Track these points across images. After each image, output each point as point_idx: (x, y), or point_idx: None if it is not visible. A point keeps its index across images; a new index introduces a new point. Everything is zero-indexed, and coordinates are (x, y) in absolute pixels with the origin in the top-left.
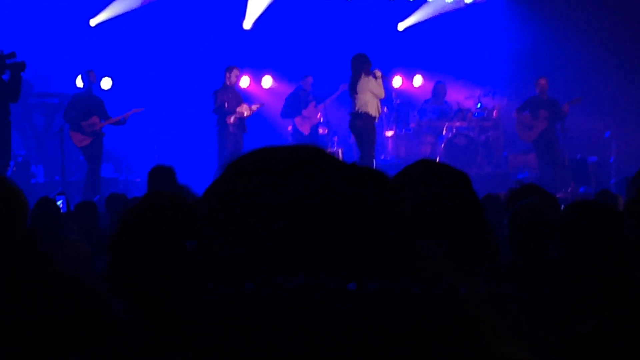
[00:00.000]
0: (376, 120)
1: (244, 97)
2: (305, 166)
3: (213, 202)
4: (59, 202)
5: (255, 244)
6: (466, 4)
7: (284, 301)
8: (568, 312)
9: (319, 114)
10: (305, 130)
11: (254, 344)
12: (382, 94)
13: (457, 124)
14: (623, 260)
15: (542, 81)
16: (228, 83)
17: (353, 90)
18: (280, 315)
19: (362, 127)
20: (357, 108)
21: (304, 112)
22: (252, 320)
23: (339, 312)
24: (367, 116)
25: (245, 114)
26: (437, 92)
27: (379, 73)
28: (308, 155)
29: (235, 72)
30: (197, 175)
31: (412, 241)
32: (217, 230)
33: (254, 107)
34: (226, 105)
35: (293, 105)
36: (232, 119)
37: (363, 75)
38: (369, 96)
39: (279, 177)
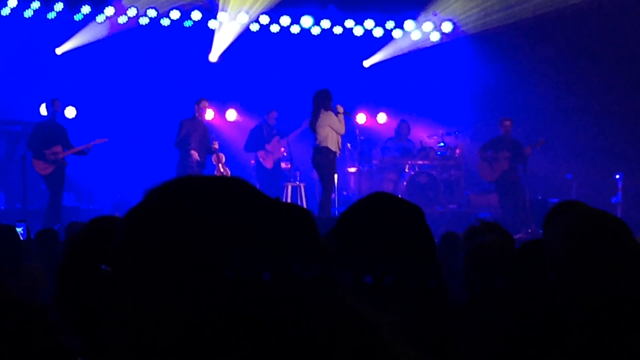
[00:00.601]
0: (337, 155)
1: (209, 129)
2: (227, 198)
3: (131, 228)
4: (20, 229)
5: (171, 273)
6: (432, 43)
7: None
8: (517, 351)
9: (283, 149)
10: (269, 164)
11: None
12: (342, 130)
13: (420, 162)
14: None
15: (507, 122)
16: (197, 115)
17: (313, 126)
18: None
19: (322, 161)
20: (317, 142)
21: (268, 147)
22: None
23: None
24: (327, 150)
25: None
26: (401, 130)
27: (340, 109)
28: (232, 188)
29: (203, 103)
30: None
31: (330, 274)
32: (134, 256)
33: (215, 145)
34: (191, 139)
35: (256, 139)
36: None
37: (323, 111)
38: (329, 131)
39: (200, 207)
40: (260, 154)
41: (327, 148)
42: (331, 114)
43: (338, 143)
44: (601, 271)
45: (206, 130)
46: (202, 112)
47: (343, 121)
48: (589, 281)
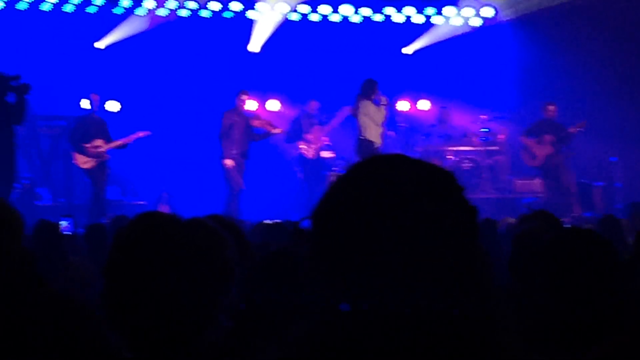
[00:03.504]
0: (376, 146)
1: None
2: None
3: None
4: (65, 223)
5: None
6: (473, 28)
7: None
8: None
9: (325, 138)
10: (310, 154)
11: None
12: (380, 121)
13: (463, 148)
14: (611, 287)
15: (551, 107)
16: (238, 106)
17: (354, 113)
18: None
19: (363, 152)
20: (360, 132)
21: (308, 137)
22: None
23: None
24: (367, 142)
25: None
26: (442, 117)
27: (384, 100)
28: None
29: (243, 95)
30: (203, 198)
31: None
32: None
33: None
34: (234, 130)
35: (297, 130)
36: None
37: (363, 99)
38: (367, 121)
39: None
40: (300, 144)
41: (367, 139)
42: (369, 104)
43: (377, 133)
44: None
45: (248, 121)
46: (243, 103)
47: (384, 112)
48: None
